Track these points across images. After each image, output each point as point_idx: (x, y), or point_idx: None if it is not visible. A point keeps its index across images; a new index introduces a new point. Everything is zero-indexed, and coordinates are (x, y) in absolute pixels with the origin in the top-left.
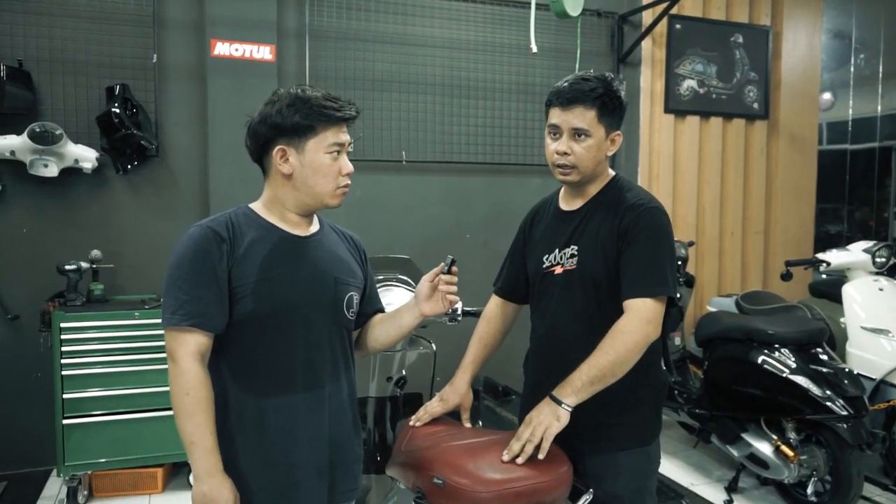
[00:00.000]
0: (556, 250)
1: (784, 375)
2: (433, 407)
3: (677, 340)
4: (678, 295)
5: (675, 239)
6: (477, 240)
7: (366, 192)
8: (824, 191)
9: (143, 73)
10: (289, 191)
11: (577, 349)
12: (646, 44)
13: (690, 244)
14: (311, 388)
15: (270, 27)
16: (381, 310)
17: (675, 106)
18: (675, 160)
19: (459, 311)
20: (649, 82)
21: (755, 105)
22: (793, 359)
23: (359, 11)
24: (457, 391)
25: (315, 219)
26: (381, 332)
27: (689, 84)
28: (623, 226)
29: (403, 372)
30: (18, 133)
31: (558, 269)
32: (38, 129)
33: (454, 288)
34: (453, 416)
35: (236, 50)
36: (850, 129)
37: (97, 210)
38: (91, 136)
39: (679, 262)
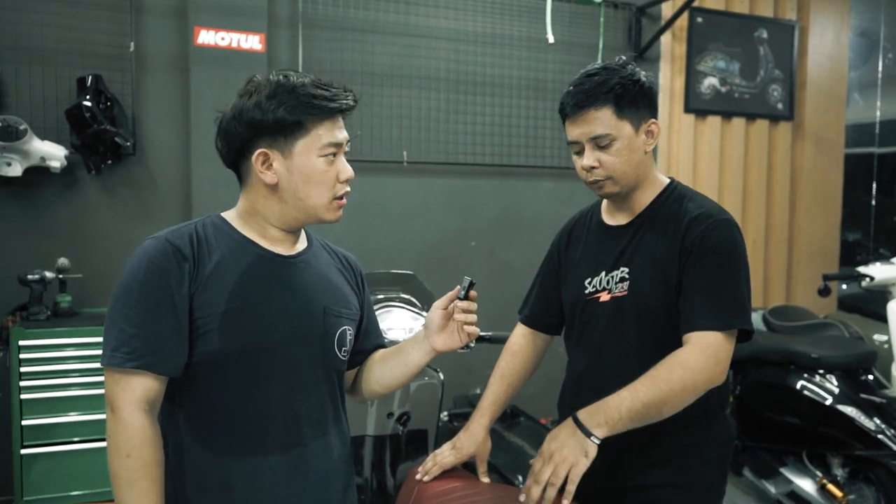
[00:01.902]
0: (603, 273)
1: (828, 404)
2: (444, 457)
3: None
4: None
5: None
6: (484, 248)
7: (363, 195)
8: (849, 196)
9: (118, 63)
10: (273, 204)
11: None
12: (665, 38)
13: None
14: (290, 447)
15: (260, 14)
16: (383, 345)
17: (696, 105)
18: (695, 163)
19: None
20: (668, 80)
21: (779, 105)
22: (838, 385)
23: None
24: (473, 438)
25: (303, 235)
26: (383, 372)
27: (711, 82)
28: (687, 242)
29: (407, 406)
30: None
31: (605, 296)
32: None
33: (473, 318)
34: (467, 466)
35: (222, 39)
36: (877, 131)
37: (66, 214)
38: (60, 133)
39: None
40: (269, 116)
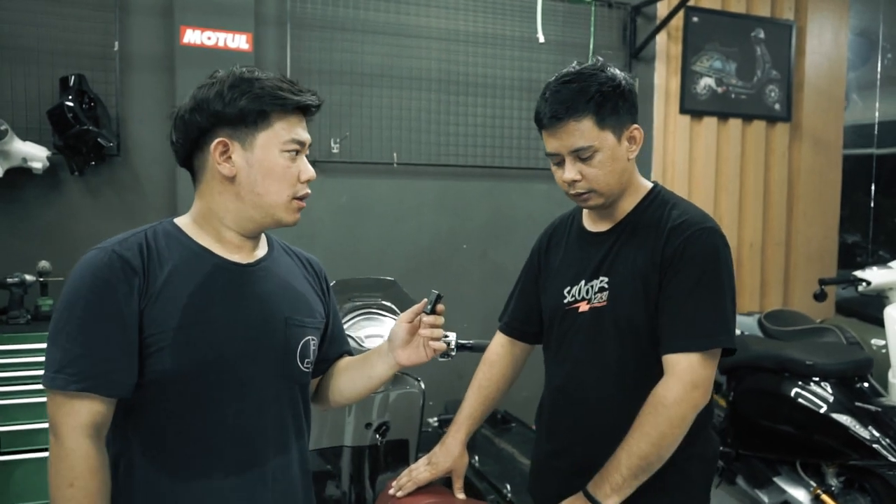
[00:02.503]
0: (582, 282)
1: (823, 412)
2: (419, 472)
3: None
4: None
5: None
6: (475, 250)
7: (352, 197)
8: (848, 198)
9: (102, 62)
10: (229, 200)
11: (606, 410)
12: (660, 38)
13: None
14: (247, 467)
15: (247, 13)
16: (349, 352)
17: (692, 106)
18: (691, 165)
19: (453, 345)
20: (664, 80)
21: (777, 106)
22: (833, 393)
23: None
24: (449, 453)
25: (263, 239)
26: (346, 382)
27: (707, 82)
28: (667, 253)
29: (386, 416)
30: None
31: (584, 306)
32: None
33: (440, 332)
34: (445, 482)
35: (208, 38)
36: (876, 132)
37: (49, 216)
38: (43, 133)
39: None
40: (232, 106)
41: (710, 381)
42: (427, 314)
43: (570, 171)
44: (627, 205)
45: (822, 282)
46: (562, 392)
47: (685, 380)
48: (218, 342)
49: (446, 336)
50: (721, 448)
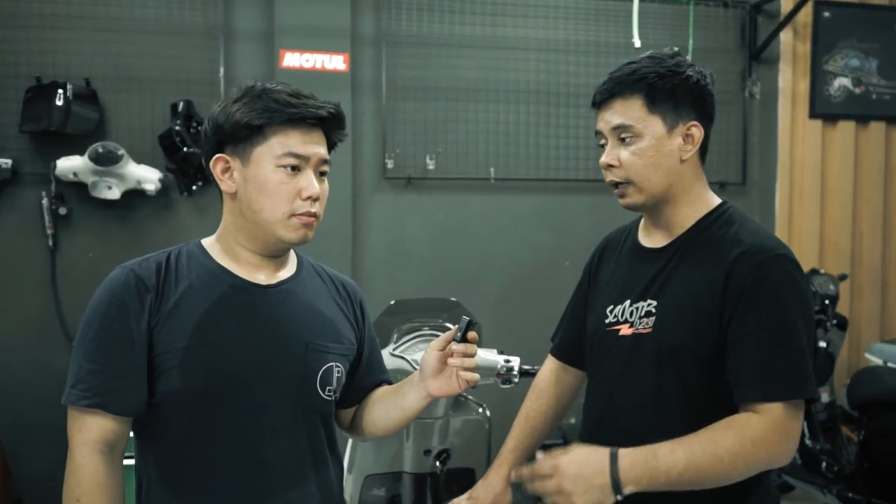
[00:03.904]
0: (627, 302)
1: None
2: None
3: (825, 396)
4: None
5: (823, 272)
6: (578, 268)
7: (448, 213)
8: None
9: (209, 88)
10: (237, 218)
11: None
12: (785, 36)
13: (842, 277)
14: (258, 498)
15: (344, 34)
16: (387, 381)
17: (824, 109)
18: (824, 174)
19: (516, 371)
20: (790, 82)
21: None
22: None
23: (441, 13)
24: (490, 488)
25: (292, 259)
26: (379, 412)
27: (842, 83)
28: (735, 283)
29: (447, 443)
30: (83, 153)
31: (625, 329)
32: (99, 150)
33: (472, 362)
34: None
35: (307, 60)
36: None
37: (162, 234)
38: (156, 157)
39: (827, 302)
40: (229, 120)
41: (798, 435)
42: (457, 342)
43: (608, 154)
44: (686, 218)
45: None
46: (595, 424)
47: (780, 429)
48: (227, 364)
49: (508, 361)
50: (849, 494)
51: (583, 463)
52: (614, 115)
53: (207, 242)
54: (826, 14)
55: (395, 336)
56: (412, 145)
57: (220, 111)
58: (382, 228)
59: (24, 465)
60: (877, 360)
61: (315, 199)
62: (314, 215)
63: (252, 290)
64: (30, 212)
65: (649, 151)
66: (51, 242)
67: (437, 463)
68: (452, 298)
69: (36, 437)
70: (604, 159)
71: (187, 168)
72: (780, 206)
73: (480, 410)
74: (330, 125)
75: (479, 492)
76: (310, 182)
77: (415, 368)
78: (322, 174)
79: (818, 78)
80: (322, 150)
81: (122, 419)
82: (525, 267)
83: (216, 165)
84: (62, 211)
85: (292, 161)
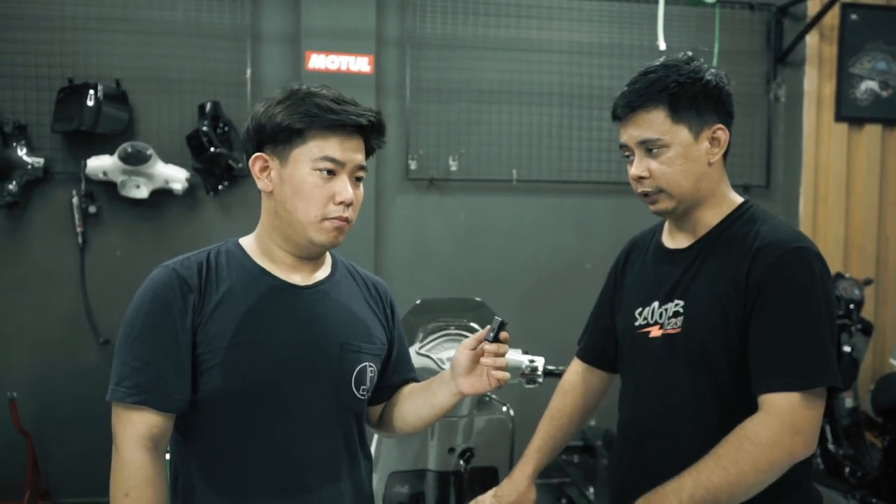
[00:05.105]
0: (655, 303)
1: None
2: None
3: (848, 401)
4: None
5: (848, 276)
6: (600, 270)
7: (470, 215)
8: None
9: (236, 89)
10: (273, 217)
11: (675, 455)
12: (811, 39)
13: (867, 282)
14: (293, 493)
15: (369, 36)
16: (415, 378)
17: (850, 112)
18: (850, 178)
19: (540, 371)
20: (815, 85)
21: None
22: None
23: (466, 16)
24: (515, 487)
25: (327, 260)
26: (410, 409)
27: (868, 86)
28: (754, 277)
29: (471, 442)
30: (113, 153)
31: (655, 331)
32: (128, 150)
33: (503, 361)
34: None
35: (332, 62)
36: None
37: (188, 232)
38: (183, 156)
39: (852, 306)
40: (271, 121)
41: (814, 427)
42: (489, 342)
43: (637, 167)
44: (711, 219)
45: None
46: (629, 428)
47: (784, 421)
48: (266, 363)
49: (533, 361)
50: (873, 500)
51: None
52: (639, 130)
53: (245, 242)
54: (853, 16)
55: (421, 335)
56: (435, 147)
57: (263, 111)
58: (405, 229)
59: (52, 459)
60: None
61: (348, 205)
62: (346, 220)
63: (290, 291)
64: (60, 210)
65: (678, 160)
66: (80, 240)
67: (461, 461)
68: (477, 299)
69: (64, 432)
70: (634, 172)
71: (214, 168)
72: (805, 209)
73: (504, 409)
74: (369, 132)
75: (503, 490)
76: (344, 187)
77: (440, 367)
78: (358, 179)
79: (844, 81)
80: (359, 157)
81: (167, 415)
82: (546, 268)
83: (255, 164)
84: (91, 209)
85: (328, 165)
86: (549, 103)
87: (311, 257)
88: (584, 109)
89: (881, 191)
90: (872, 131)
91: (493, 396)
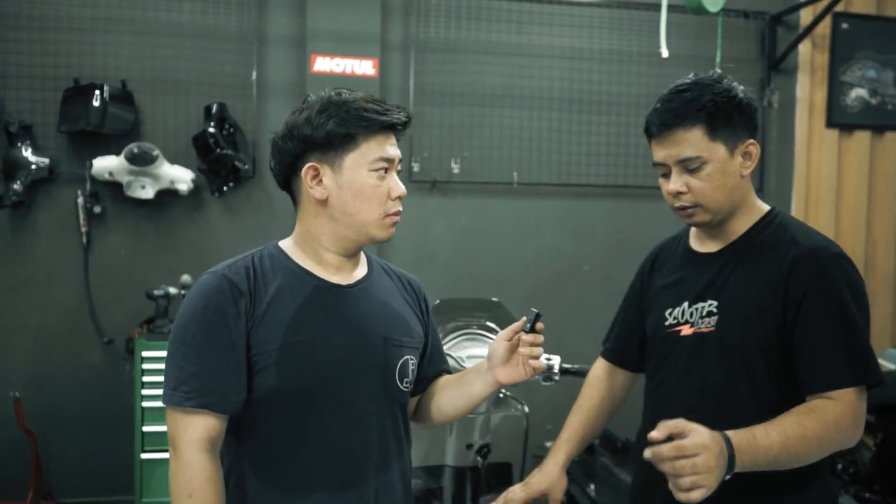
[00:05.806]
0: (686, 304)
1: None
2: (514, 493)
3: None
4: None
5: None
6: (598, 272)
7: (472, 217)
8: None
9: (242, 91)
10: (325, 222)
11: None
12: (804, 47)
13: None
14: (351, 484)
15: (373, 40)
16: (448, 370)
17: (840, 119)
18: (840, 183)
19: (556, 369)
20: (807, 92)
21: None
22: None
23: (469, 21)
24: (546, 476)
25: (363, 259)
26: (446, 400)
27: (858, 93)
28: (797, 283)
29: (488, 438)
30: (118, 153)
31: (687, 330)
32: (135, 150)
33: (539, 351)
34: None
35: (337, 65)
36: None
37: (193, 233)
38: (189, 157)
39: None
40: (320, 130)
41: (864, 420)
42: (526, 332)
43: (675, 182)
44: (741, 226)
45: None
46: (659, 422)
47: (857, 414)
48: (318, 361)
49: (549, 359)
50: (866, 495)
51: (710, 447)
52: (678, 148)
53: (286, 245)
54: (844, 26)
55: (441, 334)
56: (438, 149)
57: (305, 122)
58: (408, 231)
59: (54, 459)
60: (891, 366)
61: (401, 198)
62: (398, 213)
63: (334, 291)
64: (65, 210)
65: (716, 176)
66: (84, 240)
67: (478, 457)
68: (494, 299)
69: (66, 432)
70: (672, 188)
71: (219, 169)
72: (796, 213)
73: (520, 407)
74: (402, 128)
75: (535, 479)
76: (397, 183)
77: (461, 366)
78: (398, 173)
79: (835, 88)
80: (399, 152)
81: (223, 417)
82: (546, 270)
83: (307, 174)
84: (97, 209)
85: (384, 165)
86: (550, 108)
87: (355, 255)
88: (584, 114)
89: (870, 196)
90: (862, 138)
91: (509, 394)
